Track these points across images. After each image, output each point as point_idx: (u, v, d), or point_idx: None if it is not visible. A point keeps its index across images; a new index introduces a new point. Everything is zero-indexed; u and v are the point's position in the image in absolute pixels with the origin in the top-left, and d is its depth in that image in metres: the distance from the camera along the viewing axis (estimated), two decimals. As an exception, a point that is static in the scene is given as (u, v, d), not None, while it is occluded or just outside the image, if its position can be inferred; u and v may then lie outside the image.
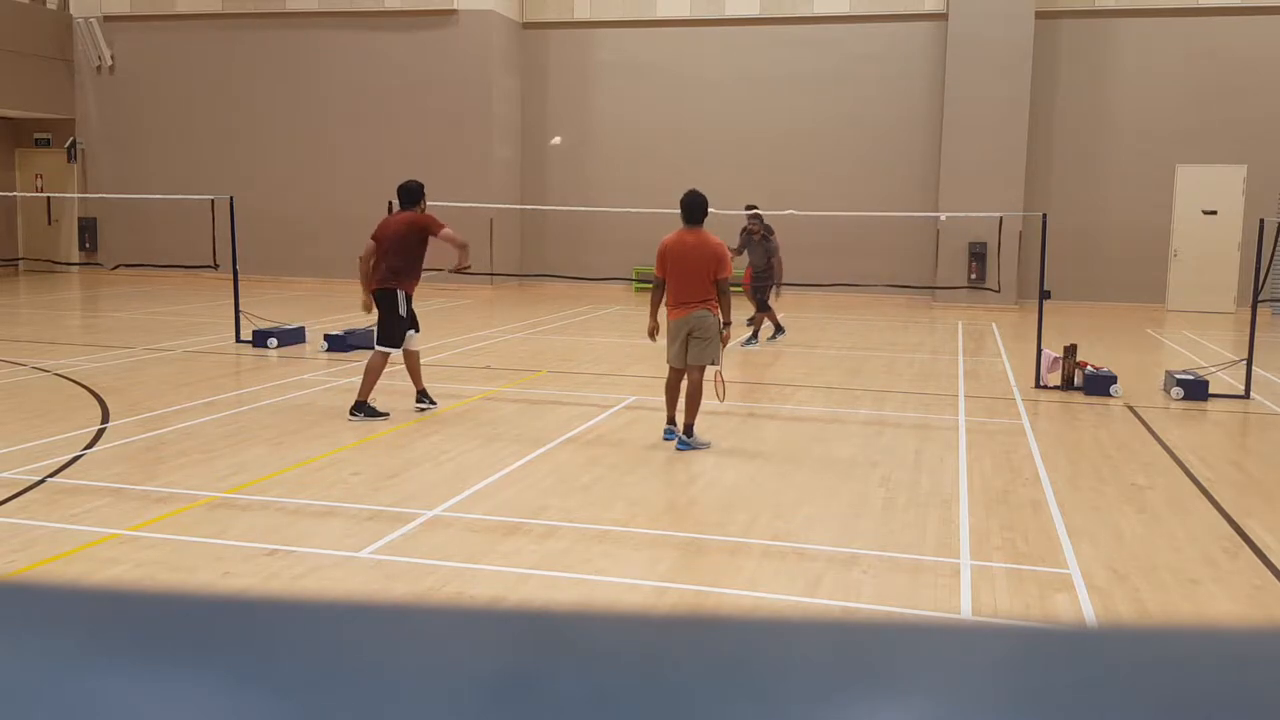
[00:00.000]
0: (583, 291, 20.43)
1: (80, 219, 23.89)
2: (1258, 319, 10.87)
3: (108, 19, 23.49)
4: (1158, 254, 20.00)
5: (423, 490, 6.94)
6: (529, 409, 9.78)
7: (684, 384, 8.28)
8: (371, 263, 9.13)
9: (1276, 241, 12.32)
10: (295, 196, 22.61)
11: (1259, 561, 5.83)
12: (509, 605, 0.53)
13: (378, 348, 9.16)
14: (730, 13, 21.34)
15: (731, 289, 8.28)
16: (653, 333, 8.59)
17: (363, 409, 8.99)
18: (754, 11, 21.24)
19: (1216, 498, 7.08)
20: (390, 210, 9.87)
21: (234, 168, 22.58)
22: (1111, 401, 10.45)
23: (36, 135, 24.17)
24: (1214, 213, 19.77)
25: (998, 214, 15.48)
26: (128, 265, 19.35)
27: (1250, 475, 7.87)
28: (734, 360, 12.14)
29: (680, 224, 8.14)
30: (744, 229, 14.21)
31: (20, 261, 23.60)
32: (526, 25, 22.37)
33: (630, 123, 21.92)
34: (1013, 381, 11.63)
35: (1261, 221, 10.99)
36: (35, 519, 6.18)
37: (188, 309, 17.36)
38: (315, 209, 22.47)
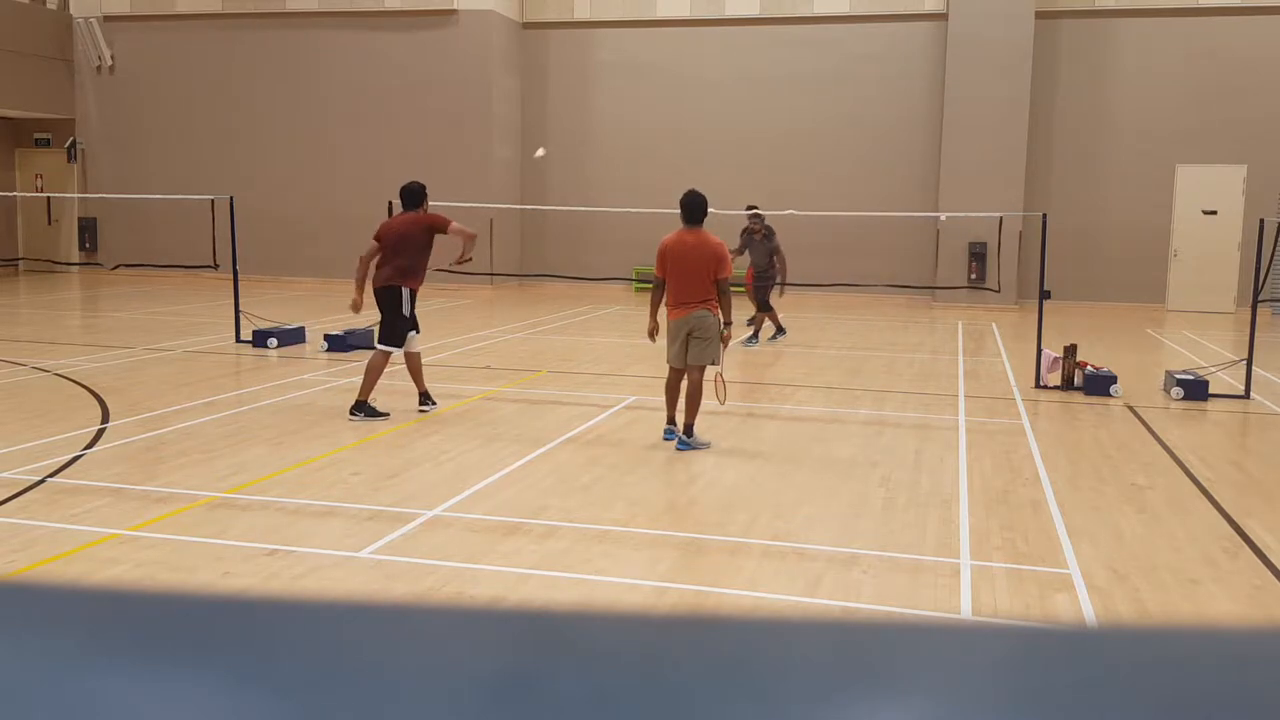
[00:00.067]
0: (583, 291, 20.43)
1: (80, 219, 23.89)
2: (1258, 319, 10.87)
3: (108, 19, 23.49)
4: (1158, 254, 20.00)
5: (423, 490, 6.94)
6: (529, 409, 9.78)
7: (684, 384, 8.28)
8: (374, 263, 9.13)
9: (1276, 241, 12.32)
10: (295, 196, 22.62)
11: (1259, 561, 5.83)
12: (509, 605, 0.53)
13: (379, 346, 9.16)
14: (730, 13, 21.35)
15: (733, 289, 8.28)
16: (653, 333, 8.59)
17: (363, 409, 8.99)
18: (754, 11, 21.24)
19: (1216, 498, 7.08)
20: (390, 211, 9.87)
21: (234, 168, 22.58)
22: (1111, 401, 10.45)
23: (36, 135, 24.17)
24: (1214, 213, 19.77)
25: (998, 214, 15.48)
26: (128, 265, 19.36)
27: (1250, 475, 7.87)
28: (734, 360, 12.14)
29: (680, 224, 8.14)
30: (745, 229, 14.22)
31: (20, 261, 23.60)
32: (526, 25, 22.38)
33: (630, 123, 21.93)
34: (1013, 381, 11.63)
35: (1261, 221, 10.99)
36: (35, 519, 6.18)
37: (188, 309, 17.36)
38: (315, 209, 22.47)
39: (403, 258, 9.01)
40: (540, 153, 15.07)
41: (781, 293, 14.21)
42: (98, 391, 10.08)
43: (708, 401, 8.46)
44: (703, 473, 7.57)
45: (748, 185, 19.72)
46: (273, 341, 12.99)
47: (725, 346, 8.34)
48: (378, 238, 9.15)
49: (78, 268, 23.64)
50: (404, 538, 5.98)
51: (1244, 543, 6.13)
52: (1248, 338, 10.89)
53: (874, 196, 20.35)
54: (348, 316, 15.13)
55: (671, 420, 8.43)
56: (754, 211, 14.24)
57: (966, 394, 10.90)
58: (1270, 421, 9.94)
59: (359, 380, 9.28)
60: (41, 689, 0.42)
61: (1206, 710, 0.42)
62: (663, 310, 8.30)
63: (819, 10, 20.98)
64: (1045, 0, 19.95)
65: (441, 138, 21.71)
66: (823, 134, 21.03)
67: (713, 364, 8.24)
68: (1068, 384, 10.90)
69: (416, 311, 9.30)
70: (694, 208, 8.08)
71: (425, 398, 9.40)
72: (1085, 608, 5.14)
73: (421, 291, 9.37)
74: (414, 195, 9.23)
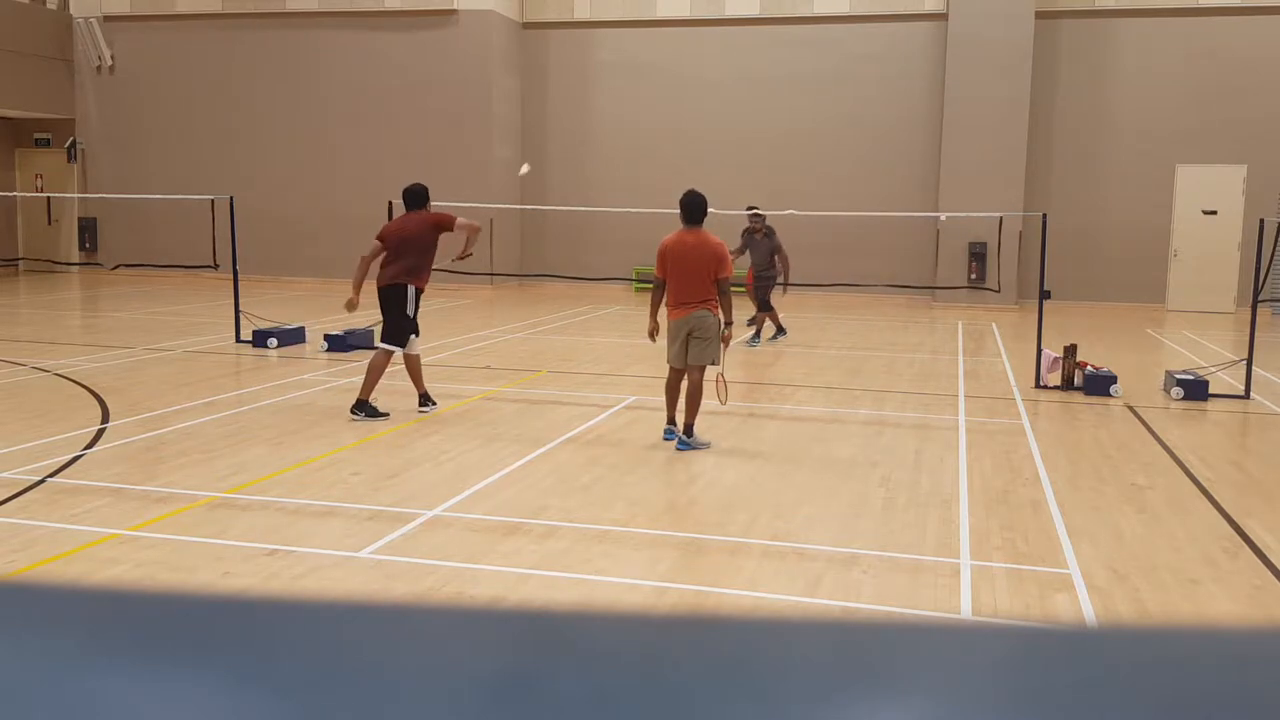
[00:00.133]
0: (583, 291, 20.43)
1: (80, 219, 23.89)
2: (1258, 319, 10.87)
3: (108, 19, 23.49)
4: (1158, 254, 20.00)
5: (423, 490, 6.94)
6: (529, 409, 9.78)
7: (684, 384, 8.28)
8: (377, 262, 9.15)
9: (1276, 241, 12.32)
10: (295, 196, 22.62)
11: (1259, 561, 5.83)
12: (509, 605, 0.53)
13: (381, 345, 9.17)
14: (730, 13, 21.35)
15: (733, 289, 8.28)
16: (653, 333, 8.59)
17: (364, 408, 9.00)
18: (754, 11, 21.24)
19: (1216, 498, 7.08)
20: (391, 211, 9.88)
21: (234, 168, 22.58)
22: (1111, 401, 10.45)
23: (36, 135, 24.17)
24: (1214, 213, 19.77)
25: (998, 214, 15.47)
26: (128, 265, 19.36)
27: (1250, 475, 7.87)
28: (734, 360, 12.14)
29: (680, 224, 8.14)
30: (746, 229, 14.22)
31: (20, 261, 23.60)
32: (526, 25, 22.38)
33: (630, 123, 21.93)
34: (1013, 381, 11.63)
35: (1261, 221, 10.99)
36: (35, 519, 6.18)
37: (188, 309, 17.36)
38: (315, 209, 22.48)
39: (409, 257, 9.04)
40: (525, 169, 15.07)
41: (785, 291, 14.21)
42: (98, 391, 10.08)
43: (707, 401, 8.46)
44: (703, 473, 7.57)
45: (748, 185, 19.72)
46: (273, 341, 12.99)
47: (726, 347, 8.34)
48: (381, 238, 9.16)
49: (78, 268, 23.64)
50: (404, 538, 5.98)
51: (1244, 543, 6.13)
52: (1248, 338, 10.89)
53: (874, 196, 20.35)
54: (348, 316, 15.13)
55: (671, 420, 8.44)
56: (754, 211, 14.25)
57: (966, 394, 10.90)
58: (1270, 421, 9.94)
59: (359, 380, 9.29)
60: (41, 689, 0.42)
61: (1206, 710, 0.42)
62: (663, 310, 8.30)
63: (819, 10, 20.98)
64: (1045, 0, 19.95)
65: (441, 138, 21.71)
66: (823, 134, 21.03)
67: (713, 364, 8.24)
68: (1068, 384, 10.90)
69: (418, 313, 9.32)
70: (694, 208, 8.08)
71: (425, 399, 9.40)
72: (1085, 608, 5.14)
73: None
74: (418, 196, 9.26)
